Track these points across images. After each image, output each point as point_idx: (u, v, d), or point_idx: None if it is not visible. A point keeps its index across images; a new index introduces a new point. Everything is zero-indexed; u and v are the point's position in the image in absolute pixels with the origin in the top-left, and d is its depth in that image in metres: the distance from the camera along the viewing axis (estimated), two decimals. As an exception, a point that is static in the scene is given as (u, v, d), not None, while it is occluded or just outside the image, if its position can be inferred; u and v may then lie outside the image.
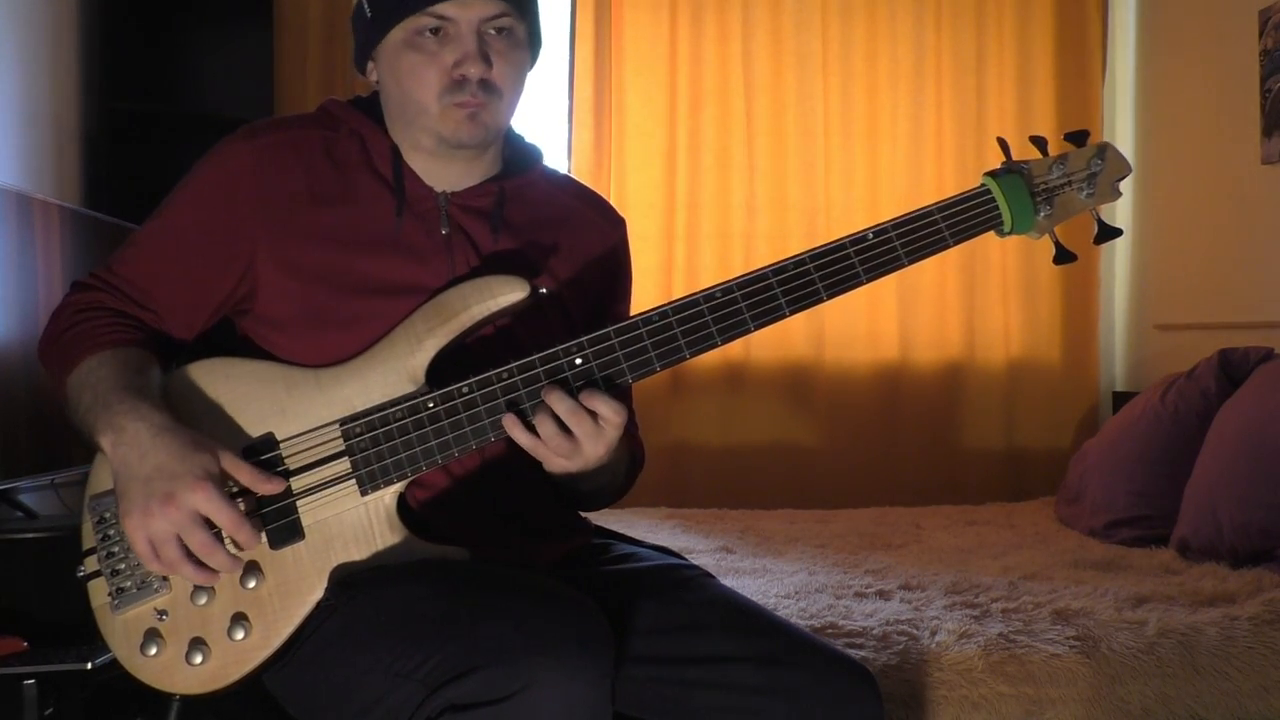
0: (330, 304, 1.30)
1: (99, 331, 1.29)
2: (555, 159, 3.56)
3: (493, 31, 1.31)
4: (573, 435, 1.22)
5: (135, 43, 3.01)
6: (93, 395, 1.23)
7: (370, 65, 1.38)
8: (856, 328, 3.56)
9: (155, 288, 1.33)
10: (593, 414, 1.22)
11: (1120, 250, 3.74)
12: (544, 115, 3.57)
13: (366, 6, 1.32)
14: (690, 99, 3.52)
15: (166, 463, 1.17)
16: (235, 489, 1.22)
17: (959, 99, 3.61)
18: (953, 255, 3.62)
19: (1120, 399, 3.55)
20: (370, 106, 1.41)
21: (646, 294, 3.43)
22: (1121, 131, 3.72)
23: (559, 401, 1.22)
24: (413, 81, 1.31)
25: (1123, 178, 1.35)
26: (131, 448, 1.18)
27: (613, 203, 3.41)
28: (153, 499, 1.16)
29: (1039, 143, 1.35)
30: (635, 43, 3.50)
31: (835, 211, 3.55)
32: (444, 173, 1.38)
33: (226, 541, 1.20)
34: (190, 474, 1.16)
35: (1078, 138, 1.34)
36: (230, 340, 1.37)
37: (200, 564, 1.18)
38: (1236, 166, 3.11)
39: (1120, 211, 3.71)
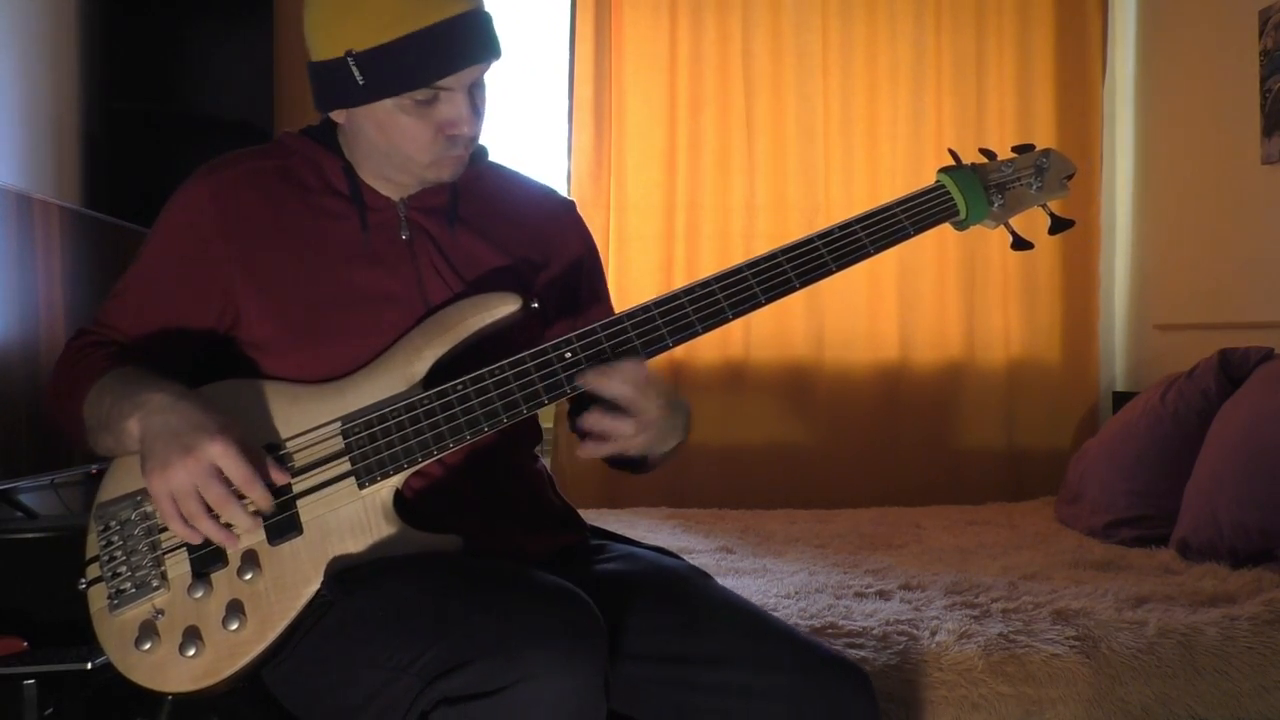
0: (309, 320, 1.34)
1: (102, 359, 1.34)
2: (555, 159, 3.57)
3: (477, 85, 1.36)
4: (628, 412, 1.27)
5: (135, 43, 3.01)
6: (113, 398, 1.26)
7: (339, 110, 1.37)
8: (856, 328, 3.56)
9: (143, 333, 1.39)
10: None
11: (1120, 250, 3.74)
12: (544, 115, 3.57)
13: (357, 73, 1.29)
14: (690, 99, 3.52)
15: (187, 420, 1.20)
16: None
17: (959, 99, 3.61)
18: (953, 255, 3.63)
19: (1120, 399, 3.55)
20: (319, 134, 1.44)
21: (646, 294, 3.39)
22: (1121, 131, 3.73)
23: (605, 384, 1.27)
24: (404, 140, 1.33)
25: (1069, 175, 1.48)
26: (155, 414, 1.22)
27: (612, 203, 3.48)
28: (172, 452, 1.18)
29: (988, 154, 1.47)
30: (635, 43, 3.50)
31: (835, 211, 3.55)
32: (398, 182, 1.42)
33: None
34: (207, 429, 1.19)
35: (1023, 149, 1.48)
36: (225, 370, 1.40)
37: (218, 521, 1.21)
38: (1236, 166, 3.11)
39: (1120, 211, 3.72)
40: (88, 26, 2.93)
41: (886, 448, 3.56)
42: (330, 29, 1.30)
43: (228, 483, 1.20)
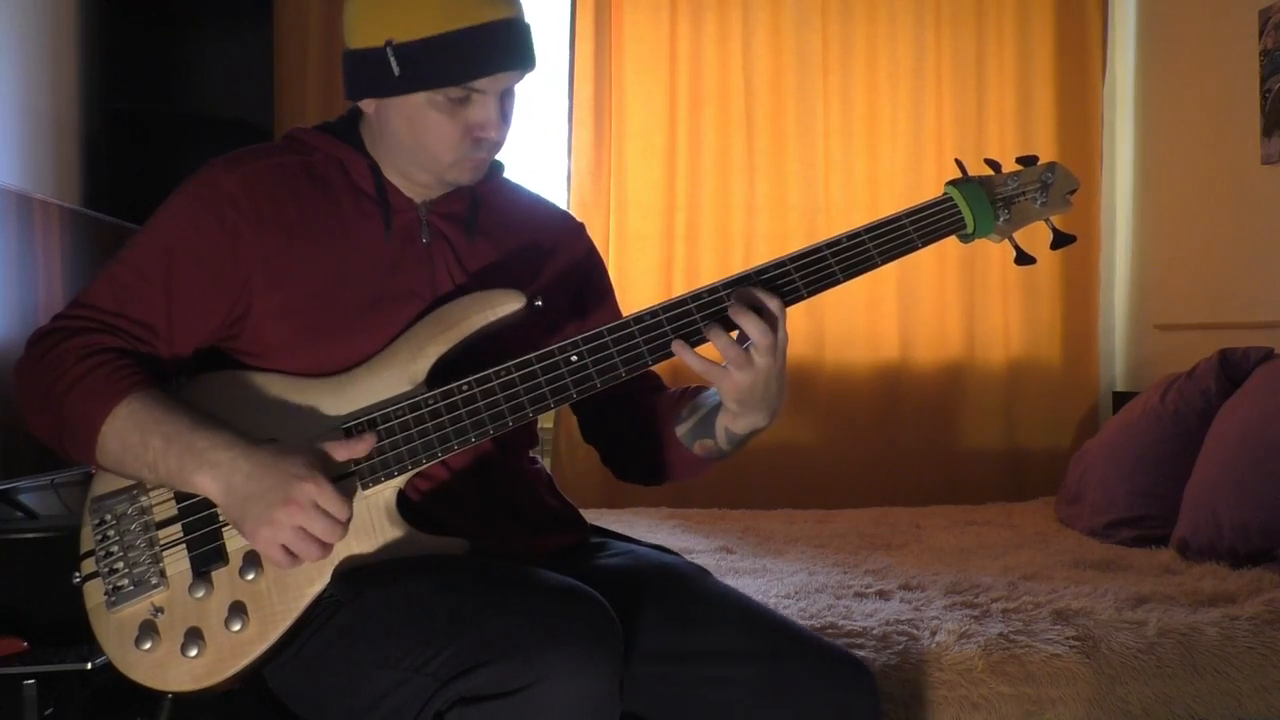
0: (326, 322, 1.33)
1: (119, 375, 1.26)
2: (555, 159, 3.57)
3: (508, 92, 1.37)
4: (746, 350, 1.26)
5: (135, 43, 3.02)
6: (161, 440, 1.22)
7: (369, 100, 1.37)
8: (856, 328, 3.56)
9: (153, 319, 1.32)
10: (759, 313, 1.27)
11: (1120, 250, 3.74)
12: (544, 115, 3.57)
13: (394, 64, 1.30)
14: (690, 99, 3.52)
15: (272, 472, 1.20)
16: None
17: (959, 99, 3.61)
18: (953, 255, 3.64)
19: (1120, 399, 3.55)
20: (341, 130, 1.43)
21: (646, 294, 3.43)
22: (1121, 131, 3.73)
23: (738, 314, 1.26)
24: (432, 138, 1.34)
25: (1073, 190, 1.49)
26: (234, 474, 1.21)
27: (612, 203, 3.48)
28: (274, 507, 1.19)
29: (993, 164, 1.47)
30: (635, 43, 3.50)
31: (835, 211, 3.55)
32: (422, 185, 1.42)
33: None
34: (297, 475, 1.19)
35: (1028, 160, 1.47)
36: (218, 364, 1.37)
37: (322, 544, 1.22)
38: (1236, 166, 3.11)
39: (1120, 211, 3.72)
40: (87, 26, 2.93)
41: (886, 448, 3.56)
42: (373, 17, 1.31)
43: (324, 511, 1.21)
